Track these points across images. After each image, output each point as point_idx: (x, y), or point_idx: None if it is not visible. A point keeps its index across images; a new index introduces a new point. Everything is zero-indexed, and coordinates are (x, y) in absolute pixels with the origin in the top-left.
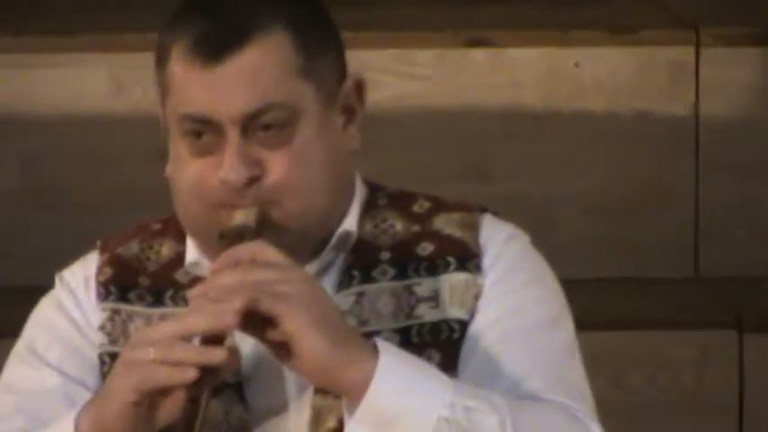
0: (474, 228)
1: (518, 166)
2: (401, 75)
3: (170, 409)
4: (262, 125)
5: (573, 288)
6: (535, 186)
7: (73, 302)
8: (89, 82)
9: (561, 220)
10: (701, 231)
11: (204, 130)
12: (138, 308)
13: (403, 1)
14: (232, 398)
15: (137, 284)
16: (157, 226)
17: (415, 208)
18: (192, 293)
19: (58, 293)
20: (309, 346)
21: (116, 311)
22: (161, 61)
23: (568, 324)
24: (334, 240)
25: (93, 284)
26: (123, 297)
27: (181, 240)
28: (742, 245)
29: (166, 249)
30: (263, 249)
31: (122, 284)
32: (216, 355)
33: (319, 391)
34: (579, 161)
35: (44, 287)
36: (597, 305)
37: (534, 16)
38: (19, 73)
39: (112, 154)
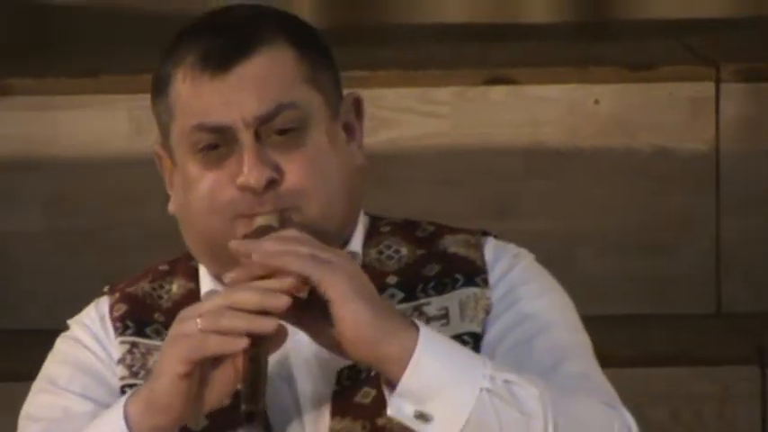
0: (478, 247)
1: (538, 204)
2: (420, 113)
3: (219, 386)
4: (275, 129)
5: (594, 325)
6: (556, 224)
7: (90, 336)
8: (111, 123)
9: (582, 257)
10: (723, 267)
11: (217, 141)
12: (156, 342)
13: (422, 39)
14: (257, 426)
15: (153, 320)
16: (165, 267)
17: (419, 233)
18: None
19: (73, 332)
20: (353, 315)
21: (134, 345)
22: (161, 91)
23: (584, 332)
24: None
25: (108, 321)
26: (140, 332)
27: (190, 278)
28: (764, 280)
29: (177, 287)
30: (294, 233)
31: (138, 319)
32: (266, 324)
33: (336, 414)
34: (600, 198)
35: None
36: (619, 342)
37: (554, 53)
38: (41, 115)
39: (136, 195)
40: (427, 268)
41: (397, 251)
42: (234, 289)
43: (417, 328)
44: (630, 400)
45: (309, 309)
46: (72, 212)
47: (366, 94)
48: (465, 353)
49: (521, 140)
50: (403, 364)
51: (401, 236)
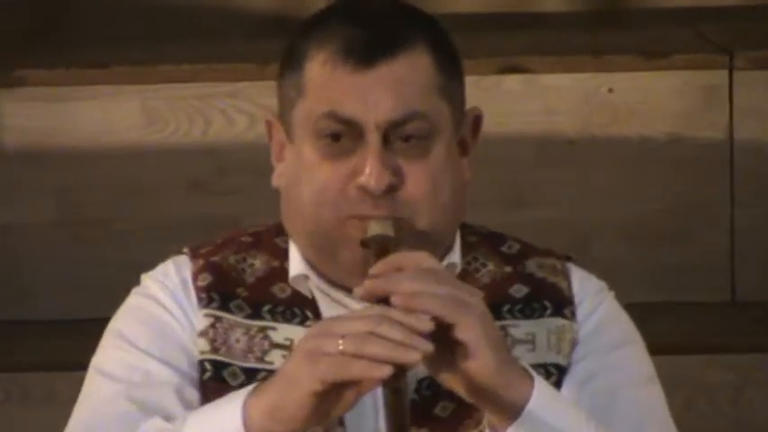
0: (566, 275)
1: (553, 192)
2: None
3: (344, 404)
4: (403, 135)
5: None
6: (570, 212)
7: (171, 299)
8: (123, 114)
9: (596, 246)
10: (737, 255)
11: (343, 133)
12: (238, 318)
13: None
14: (334, 423)
15: (236, 294)
16: (248, 239)
17: (504, 249)
18: (362, 293)
19: (151, 290)
20: (482, 360)
21: (218, 319)
22: (294, 66)
23: (658, 381)
24: None
25: (191, 288)
26: (224, 306)
27: (275, 255)
28: None
29: (260, 263)
30: (427, 259)
31: (223, 292)
32: (412, 356)
33: (414, 424)
34: (614, 186)
35: (79, 320)
36: None
37: (568, 42)
38: (53, 105)
39: (147, 185)
40: (514, 289)
41: (484, 264)
42: (378, 317)
43: (532, 379)
44: None
45: (433, 339)
46: (83, 203)
47: None
48: (573, 408)
49: (535, 129)
50: (515, 413)
51: (486, 249)
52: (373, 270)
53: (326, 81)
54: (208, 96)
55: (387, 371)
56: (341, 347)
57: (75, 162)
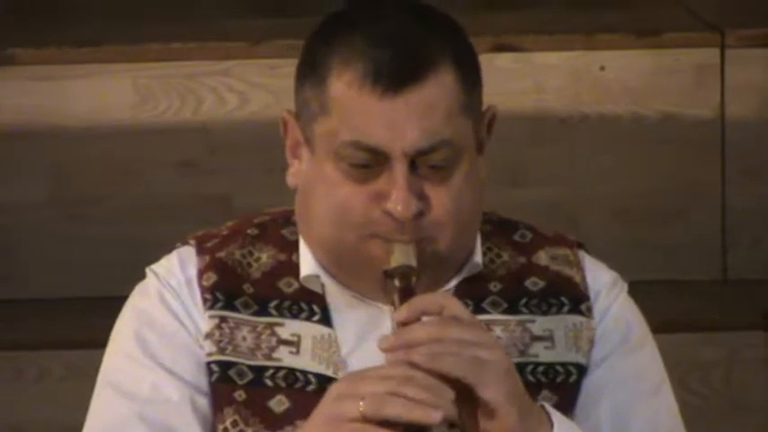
0: (579, 267)
1: (545, 171)
2: None
3: None
4: (430, 163)
5: None
6: (562, 190)
7: (177, 302)
8: (114, 93)
9: (588, 223)
10: (729, 233)
11: (368, 159)
12: (244, 316)
13: None
14: None
15: (242, 292)
16: (254, 231)
17: (517, 237)
18: (384, 346)
19: (157, 289)
20: (504, 418)
21: (224, 319)
22: (316, 75)
23: (668, 380)
24: (465, 272)
25: (196, 288)
26: (230, 305)
27: (280, 248)
28: None
29: (266, 257)
30: (451, 303)
31: (228, 291)
32: (434, 416)
33: None
34: (606, 164)
35: (72, 299)
36: None
37: (559, 20)
38: (45, 85)
39: (138, 164)
40: (530, 282)
41: (499, 255)
42: (402, 379)
43: (552, 425)
44: None
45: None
46: (75, 182)
47: None
48: None
49: (527, 108)
50: None
51: (499, 238)
52: (398, 316)
53: (352, 105)
54: (199, 75)
55: None
56: (362, 409)
57: (67, 141)
